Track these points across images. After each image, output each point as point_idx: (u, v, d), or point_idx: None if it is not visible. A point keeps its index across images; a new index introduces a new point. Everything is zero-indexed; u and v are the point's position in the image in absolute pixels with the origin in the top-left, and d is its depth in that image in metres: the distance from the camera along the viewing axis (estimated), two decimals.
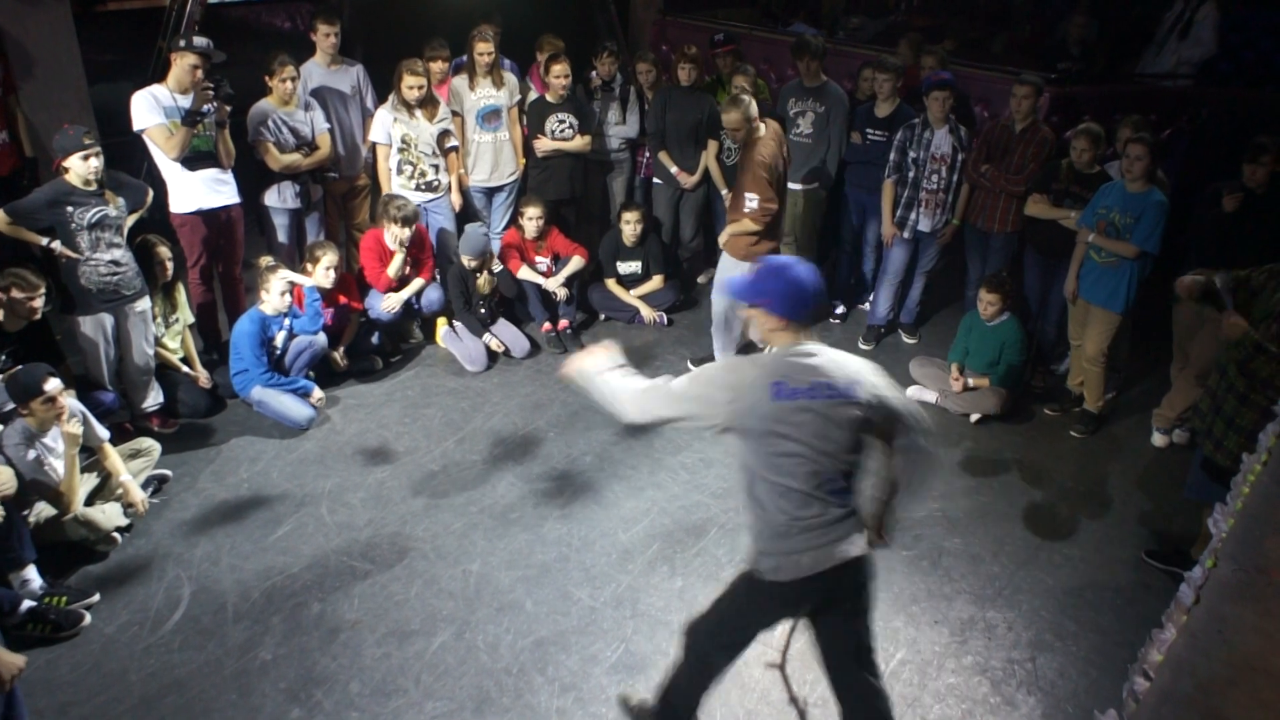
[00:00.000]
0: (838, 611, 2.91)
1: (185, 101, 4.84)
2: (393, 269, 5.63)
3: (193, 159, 4.96)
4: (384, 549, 4.19)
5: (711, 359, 5.69)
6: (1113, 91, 6.89)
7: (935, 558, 4.29)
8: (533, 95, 6.23)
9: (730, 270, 5.28)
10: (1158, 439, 5.27)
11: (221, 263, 5.41)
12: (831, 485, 2.70)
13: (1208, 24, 7.17)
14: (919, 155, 5.61)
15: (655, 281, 6.41)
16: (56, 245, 4.41)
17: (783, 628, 3.81)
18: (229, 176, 5.17)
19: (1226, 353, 3.75)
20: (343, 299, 5.55)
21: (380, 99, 5.88)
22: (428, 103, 5.71)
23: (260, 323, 5.00)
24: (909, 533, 4.43)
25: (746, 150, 5.02)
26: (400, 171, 5.81)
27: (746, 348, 5.68)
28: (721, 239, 5.33)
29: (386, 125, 5.70)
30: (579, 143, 6.18)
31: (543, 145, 6.14)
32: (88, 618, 3.72)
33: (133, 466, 4.34)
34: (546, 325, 6.07)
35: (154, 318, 4.87)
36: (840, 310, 6.58)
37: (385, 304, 5.65)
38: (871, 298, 6.35)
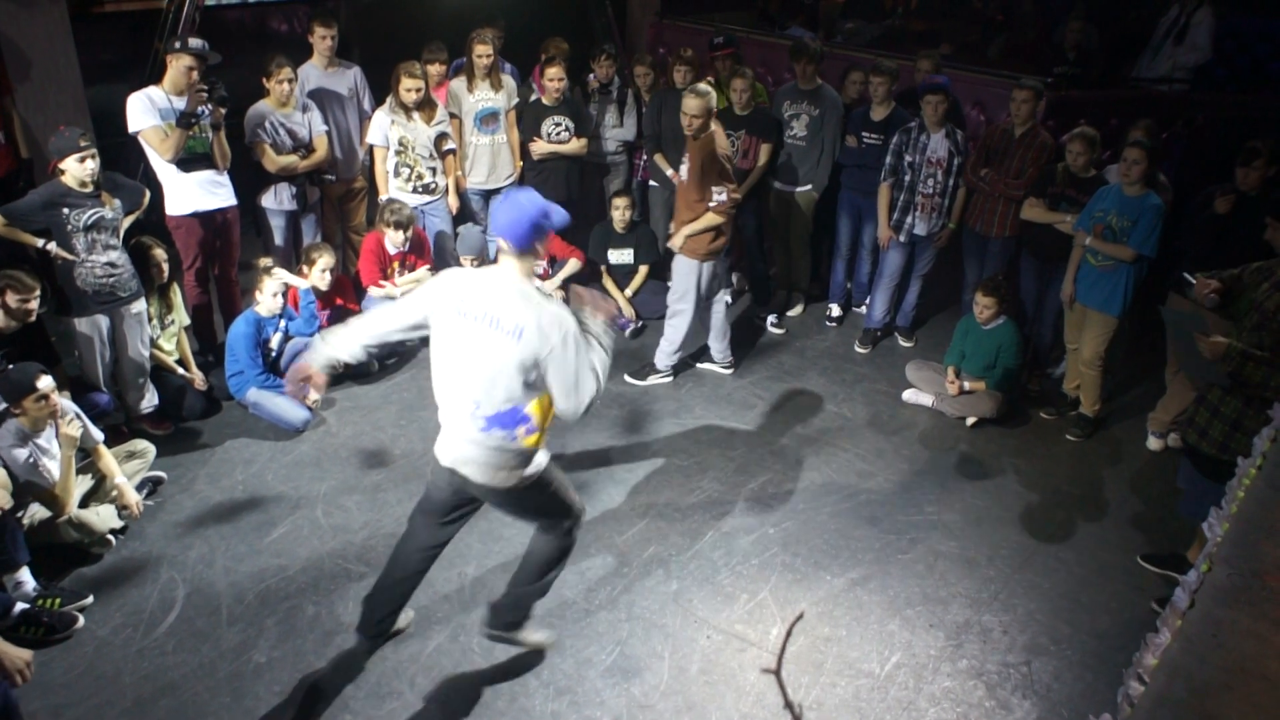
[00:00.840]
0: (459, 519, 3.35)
1: (181, 103, 4.84)
2: (399, 287, 5.66)
3: (188, 161, 4.96)
4: (379, 552, 4.18)
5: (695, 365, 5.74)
6: (1109, 96, 6.92)
7: (930, 561, 4.29)
8: (535, 97, 6.23)
9: (687, 275, 5.32)
10: (1153, 443, 5.28)
11: (217, 265, 5.41)
12: (481, 409, 2.98)
13: (1203, 29, 7.20)
14: (915, 159, 5.62)
15: (641, 274, 6.41)
16: (52, 247, 4.40)
17: (777, 632, 3.82)
18: (225, 178, 5.17)
19: (1217, 368, 3.78)
20: (339, 301, 5.55)
21: (378, 101, 5.88)
22: (425, 105, 5.71)
23: (255, 324, 4.99)
24: (904, 536, 4.44)
25: (703, 144, 5.03)
26: (397, 174, 5.81)
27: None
28: (675, 242, 5.32)
29: (384, 127, 5.70)
30: (575, 145, 6.18)
31: (539, 148, 6.14)
32: (81, 620, 3.71)
33: (127, 468, 4.33)
34: None
35: (149, 319, 4.86)
36: (836, 313, 6.58)
37: (381, 293, 5.64)
38: (868, 301, 6.36)
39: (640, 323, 6.31)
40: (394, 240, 5.58)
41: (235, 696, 3.42)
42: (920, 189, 5.68)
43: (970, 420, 5.38)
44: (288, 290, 5.12)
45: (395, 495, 4.57)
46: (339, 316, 5.55)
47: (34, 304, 4.22)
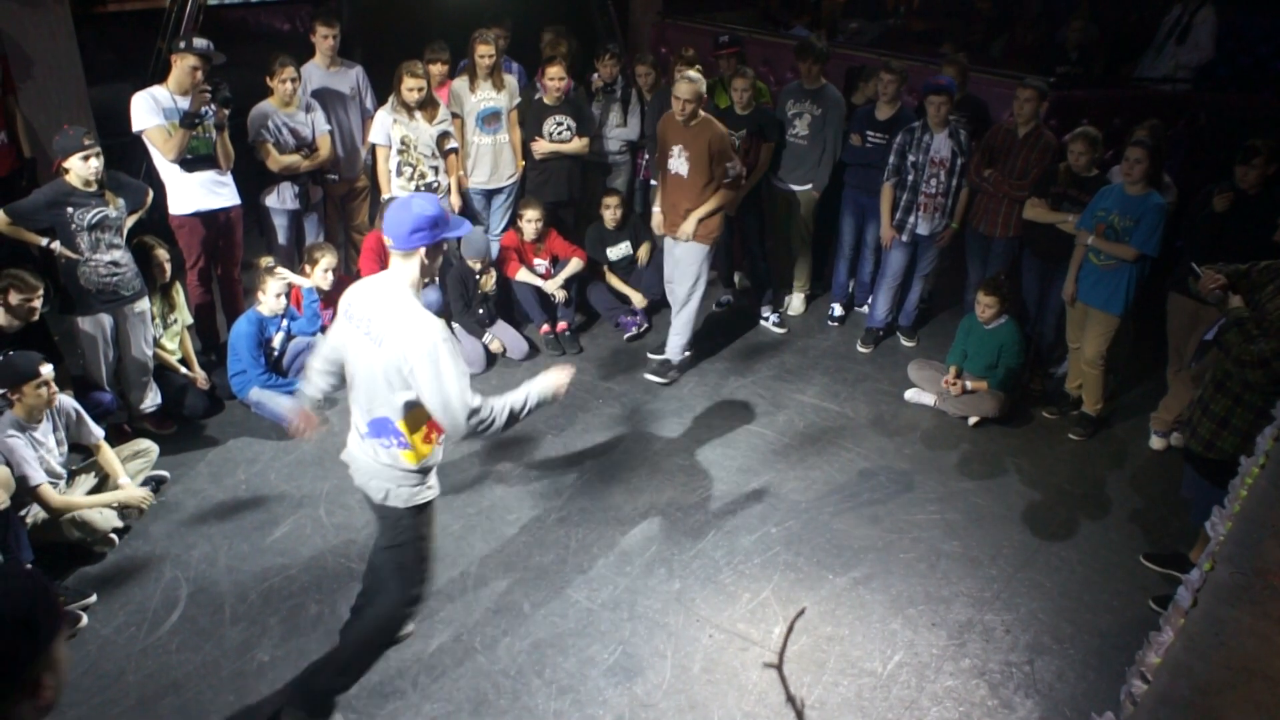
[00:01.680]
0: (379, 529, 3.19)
1: (185, 103, 4.84)
2: None
3: (191, 161, 4.96)
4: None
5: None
6: (1111, 95, 6.91)
7: (933, 560, 4.29)
8: (537, 96, 6.22)
9: (700, 262, 5.40)
10: (1155, 442, 5.28)
11: (220, 264, 5.41)
12: (363, 414, 2.96)
13: (1205, 29, 7.20)
14: (918, 159, 5.61)
15: (644, 250, 6.45)
16: (56, 246, 4.41)
17: (780, 631, 3.82)
18: (228, 178, 5.17)
19: (1219, 363, 3.79)
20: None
21: (380, 101, 5.89)
22: (427, 104, 5.71)
23: (258, 324, 5.00)
24: (906, 535, 4.44)
25: (700, 130, 5.14)
26: (400, 173, 5.82)
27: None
28: (687, 229, 5.34)
29: (386, 127, 5.71)
30: (577, 145, 6.19)
31: (540, 147, 6.15)
32: (85, 619, 3.71)
33: (131, 467, 4.34)
34: (545, 327, 6.07)
35: (152, 319, 4.87)
36: (839, 313, 6.58)
37: None
38: (870, 301, 6.36)
39: (645, 324, 6.31)
40: None
41: (239, 695, 3.43)
42: (923, 189, 5.67)
43: (972, 420, 5.38)
44: (290, 289, 5.13)
45: None
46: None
47: (37, 303, 4.23)
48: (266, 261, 5.19)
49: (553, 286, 6.07)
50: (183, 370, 5.16)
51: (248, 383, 5.00)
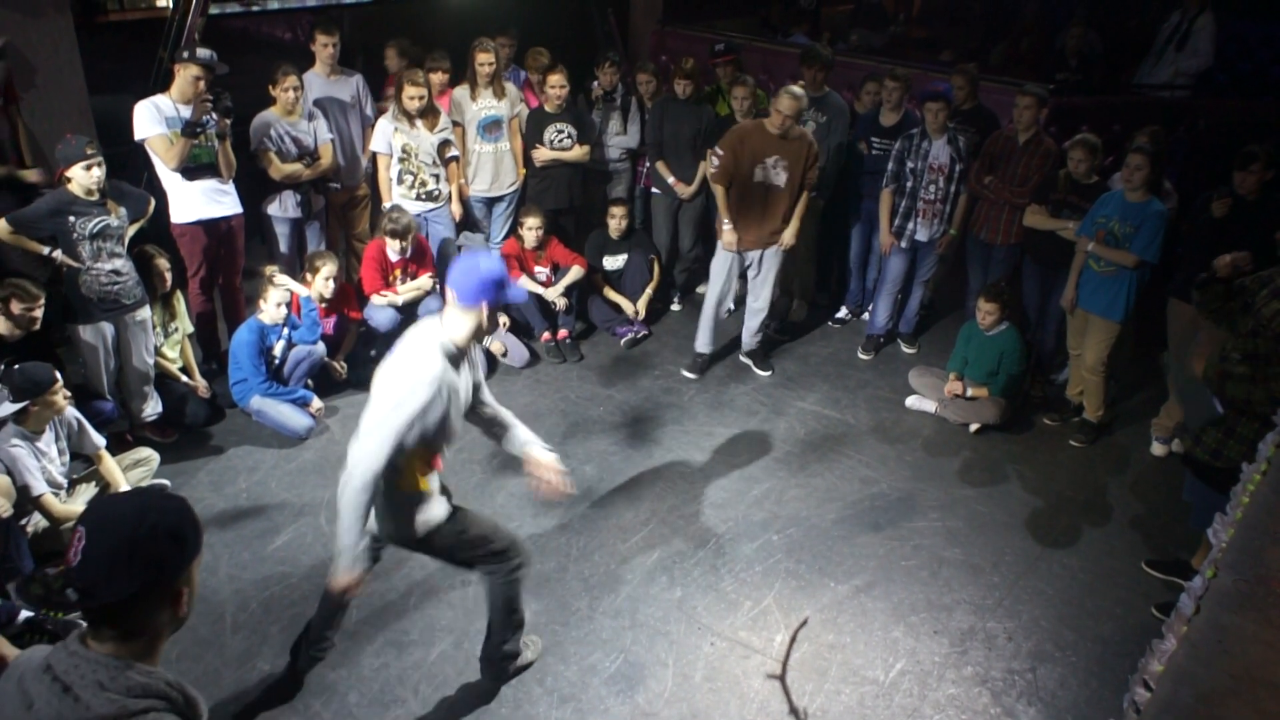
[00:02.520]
0: None
1: (188, 112, 4.86)
2: (401, 295, 5.70)
3: (193, 169, 4.97)
4: (383, 559, 4.17)
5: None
6: (1111, 102, 6.93)
7: (935, 568, 4.28)
8: (523, 108, 6.23)
9: (781, 265, 5.68)
10: (1157, 448, 5.28)
11: (221, 273, 5.42)
12: None
13: (1204, 35, 7.22)
14: (917, 165, 5.62)
15: (655, 277, 6.49)
16: (58, 254, 4.42)
17: (781, 639, 3.81)
18: (230, 187, 5.18)
19: (1209, 370, 3.80)
20: (343, 309, 5.55)
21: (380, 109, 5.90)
22: (428, 113, 5.73)
23: (259, 332, 5.00)
24: (908, 543, 4.43)
25: (801, 139, 5.29)
26: (401, 181, 5.83)
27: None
28: (789, 238, 5.51)
29: (387, 135, 5.72)
30: (577, 153, 6.20)
31: (541, 155, 6.16)
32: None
33: (131, 476, 4.34)
34: (546, 335, 6.07)
35: (153, 327, 4.88)
36: (843, 314, 6.60)
37: (383, 300, 5.66)
38: (870, 307, 6.36)
39: (642, 331, 6.31)
40: (394, 248, 5.59)
41: (241, 704, 3.41)
42: (922, 195, 5.68)
43: (974, 426, 5.38)
44: (291, 299, 5.13)
45: None
46: (342, 324, 5.57)
47: (38, 312, 4.23)
48: (273, 269, 5.19)
49: (554, 294, 6.07)
50: (184, 379, 5.16)
51: (249, 391, 5.00)
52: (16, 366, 3.89)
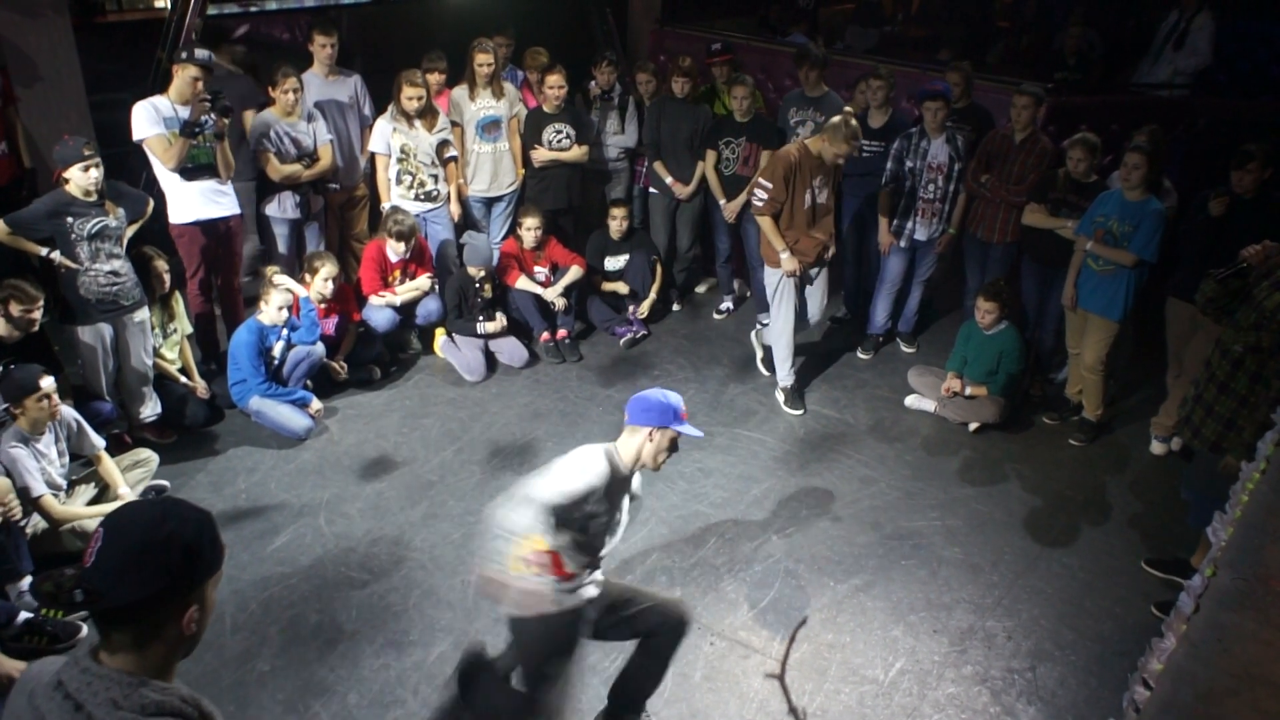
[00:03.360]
0: None
1: (186, 113, 4.85)
2: (399, 296, 5.71)
3: (191, 170, 4.97)
4: (382, 559, 4.18)
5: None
6: (1109, 101, 6.93)
7: (934, 567, 4.28)
8: (521, 109, 6.23)
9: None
10: (1156, 447, 5.28)
11: (220, 273, 5.41)
12: None
13: (1203, 34, 7.22)
14: (915, 164, 5.62)
15: (659, 277, 6.46)
16: (56, 255, 4.41)
17: (781, 639, 3.81)
18: (228, 187, 5.17)
19: (1217, 347, 3.80)
20: (341, 308, 5.55)
21: (379, 109, 5.90)
22: (426, 113, 5.73)
23: (258, 333, 4.99)
24: (907, 542, 4.43)
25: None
26: (399, 181, 5.82)
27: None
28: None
29: (386, 135, 5.72)
30: (576, 153, 6.19)
31: (540, 155, 6.15)
32: (84, 629, 3.70)
33: (130, 477, 4.34)
34: (545, 335, 6.07)
35: (152, 328, 4.87)
36: (841, 313, 6.61)
37: (381, 301, 5.66)
38: (870, 307, 6.35)
39: (641, 332, 6.31)
40: (396, 250, 5.60)
41: (239, 705, 3.42)
42: (921, 194, 5.68)
43: (973, 426, 5.38)
44: (293, 302, 5.13)
45: (398, 503, 4.58)
46: (341, 324, 5.57)
47: (37, 313, 4.23)
48: (274, 270, 5.19)
49: (553, 294, 6.07)
50: (183, 379, 5.15)
51: (248, 392, 5.00)
52: (12, 368, 3.89)
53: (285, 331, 5.13)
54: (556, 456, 3.26)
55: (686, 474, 4.87)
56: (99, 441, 4.20)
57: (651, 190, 6.61)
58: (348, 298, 5.64)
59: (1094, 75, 7.73)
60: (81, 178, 4.37)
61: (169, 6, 5.95)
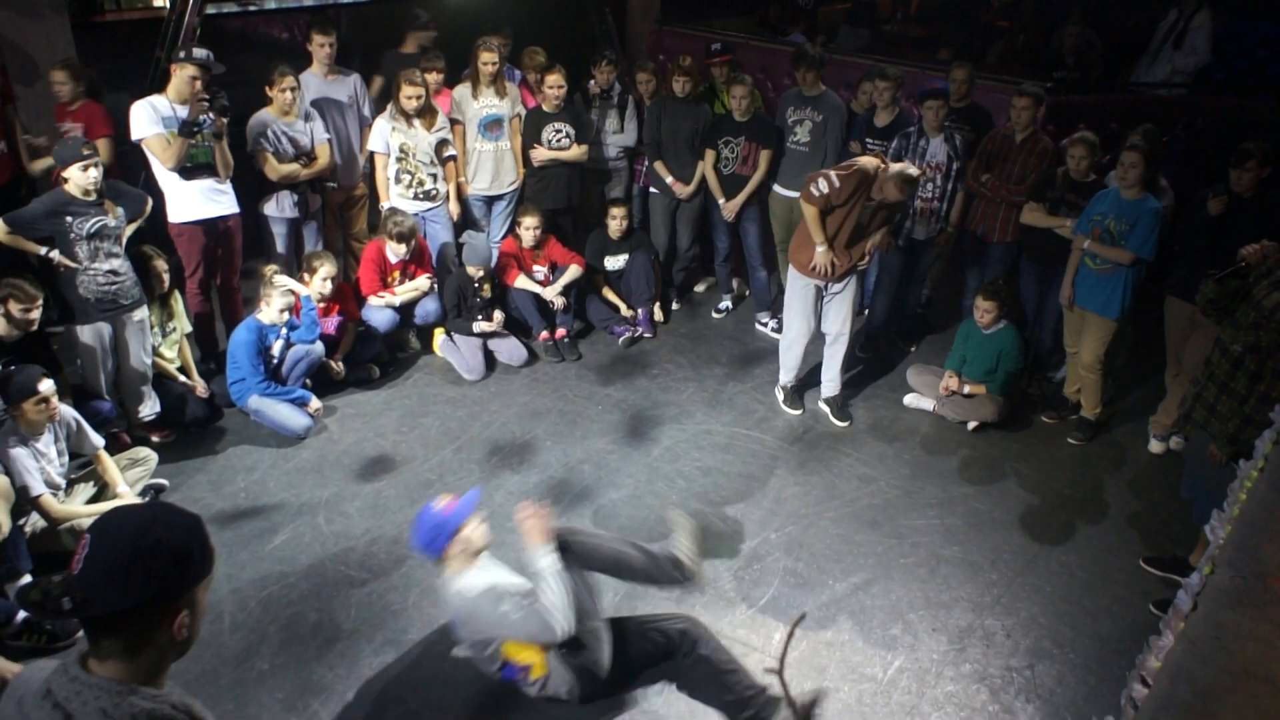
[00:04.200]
0: None
1: (185, 112, 4.85)
2: (398, 296, 5.72)
3: (190, 169, 4.97)
4: (381, 558, 4.18)
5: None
6: (1108, 101, 6.93)
7: (933, 565, 4.29)
8: (520, 108, 6.23)
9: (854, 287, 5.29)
10: (1155, 446, 5.28)
11: (219, 272, 5.41)
12: None
13: (1202, 33, 7.22)
14: (914, 164, 5.62)
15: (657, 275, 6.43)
16: (55, 255, 4.41)
17: (780, 637, 3.81)
18: (227, 186, 5.17)
19: (1217, 346, 3.81)
20: (339, 308, 5.55)
21: (378, 108, 5.90)
22: (426, 112, 5.73)
23: (257, 332, 4.99)
24: (906, 540, 4.43)
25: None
26: (398, 180, 5.82)
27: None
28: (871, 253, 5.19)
29: (385, 134, 5.72)
30: (575, 152, 6.19)
31: (539, 155, 6.15)
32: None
33: (130, 476, 4.34)
34: (544, 334, 6.07)
35: (151, 327, 4.87)
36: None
37: (380, 302, 5.66)
38: (868, 306, 6.36)
39: (641, 332, 6.30)
40: (396, 251, 5.60)
41: (238, 704, 3.42)
42: (920, 193, 5.68)
43: (971, 424, 5.38)
44: (293, 302, 5.12)
45: (397, 501, 4.58)
46: (341, 324, 5.56)
47: (36, 313, 4.22)
48: (274, 269, 5.19)
49: (551, 293, 6.07)
50: (182, 378, 5.15)
51: (247, 390, 5.00)
52: (12, 369, 3.88)
53: (284, 330, 5.12)
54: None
55: (685, 473, 4.87)
56: (98, 441, 4.20)
57: (652, 190, 6.61)
58: (347, 297, 5.64)
59: (1093, 74, 7.73)
60: (80, 177, 4.37)
61: (168, 5, 5.95)
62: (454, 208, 6.09)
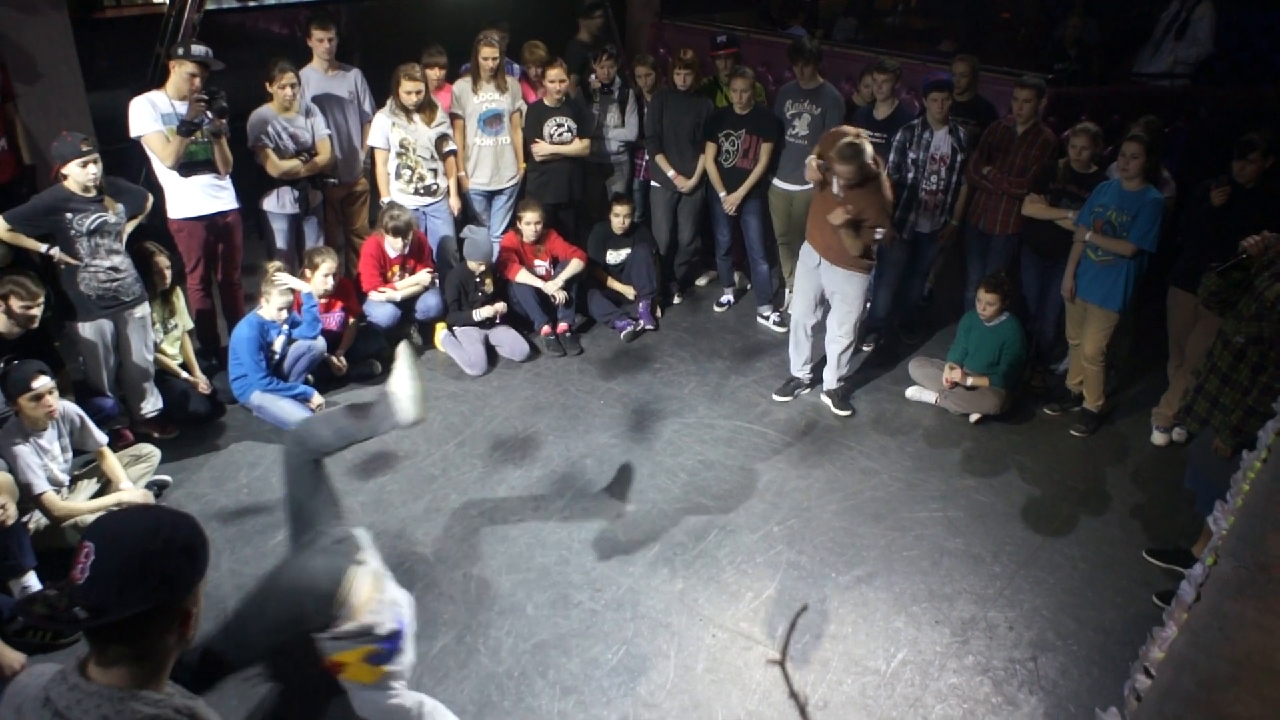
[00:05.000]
0: None
1: (184, 109, 4.84)
2: (399, 291, 5.72)
3: (190, 165, 4.96)
4: (384, 553, 4.15)
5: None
6: (1110, 92, 6.91)
7: (936, 558, 4.29)
8: (521, 103, 6.21)
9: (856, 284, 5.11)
10: (1157, 437, 5.28)
11: (220, 268, 5.41)
12: None
13: (1204, 24, 7.20)
14: (918, 156, 5.61)
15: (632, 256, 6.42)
16: (56, 252, 4.41)
17: (783, 630, 3.82)
18: (226, 182, 5.17)
19: (1219, 337, 3.80)
20: (341, 304, 5.55)
21: (378, 104, 5.89)
22: (426, 107, 5.72)
23: (259, 328, 4.99)
24: (909, 533, 4.44)
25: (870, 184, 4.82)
26: (399, 176, 5.82)
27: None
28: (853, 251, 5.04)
29: (385, 130, 5.71)
30: (577, 146, 6.18)
31: (540, 149, 6.15)
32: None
33: (132, 472, 4.34)
34: (545, 328, 6.07)
35: (153, 323, 4.87)
36: None
37: (381, 297, 5.66)
38: (870, 299, 6.34)
39: (643, 325, 6.30)
40: (393, 245, 5.60)
41: (242, 699, 3.42)
42: (924, 186, 5.67)
43: (974, 417, 5.38)
44: (293, 298, 5.12)
45: (399, 497, 4.58)
46: (343, 320, 5.56)
47: (37, 310, 4.22)
48: (276, 265, 5.18)
49: (553, 288, 6.07)
50: (183, 374, 5.16)
51: (249, 386, 5.00)
52: (13, 364, 3.89)
53: (286, 326, 5.12)
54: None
55: (687, 466, 4.87)
56: (101, 437, 4.20)
57: (653, 184, 6.60)
58: (348, 293, 5.63)
59: (1094, 65, 7.71)
60: (80, 174, 4.36)
61: (167, 2, 5.94)
62: (454, 203, 6.09)
